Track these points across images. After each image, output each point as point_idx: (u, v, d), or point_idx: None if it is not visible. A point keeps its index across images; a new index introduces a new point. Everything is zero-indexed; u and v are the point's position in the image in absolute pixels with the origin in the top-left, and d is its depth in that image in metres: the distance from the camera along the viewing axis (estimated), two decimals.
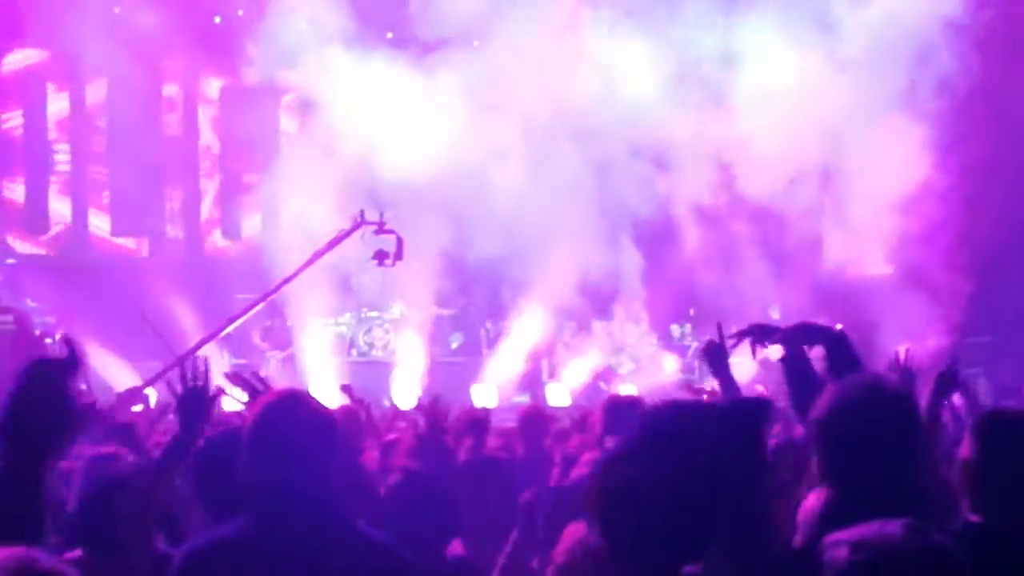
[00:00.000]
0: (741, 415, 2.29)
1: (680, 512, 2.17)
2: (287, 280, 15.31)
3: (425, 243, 17.92)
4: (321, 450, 3.60)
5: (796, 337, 4.74)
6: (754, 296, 19.44)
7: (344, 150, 17.76)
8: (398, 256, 15.48)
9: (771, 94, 18.38)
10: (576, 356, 20.13)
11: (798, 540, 3.84)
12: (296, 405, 3.70)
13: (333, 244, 15.24)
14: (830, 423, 3.41)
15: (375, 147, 17.81)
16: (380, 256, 15.47)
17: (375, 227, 15.18)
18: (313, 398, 3.80)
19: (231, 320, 15.03)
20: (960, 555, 2.44)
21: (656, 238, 19.61)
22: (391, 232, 15.35)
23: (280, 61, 18.26)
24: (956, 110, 18.14)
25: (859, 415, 3.37)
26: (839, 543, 2.53)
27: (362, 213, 15.19)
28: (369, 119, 17.96)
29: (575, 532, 3.82)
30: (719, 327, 5.48)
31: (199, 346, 14.85)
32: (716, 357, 5.48)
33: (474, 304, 20.67)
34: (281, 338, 19.26)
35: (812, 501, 3.89)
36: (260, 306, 15.11)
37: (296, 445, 3.56)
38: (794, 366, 4.61)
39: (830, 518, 2.70)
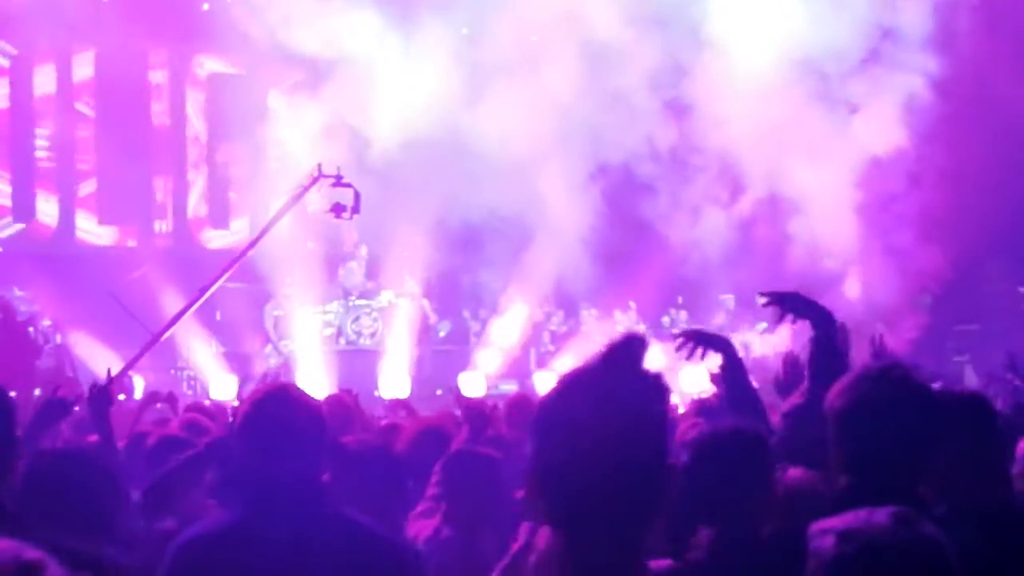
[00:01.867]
0: (619, 355, 2.19)
1: (608, 486, 2.10)
2: (255, 241, 15.39)
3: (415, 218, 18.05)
4: (309, 443, 3.65)
5: (791, 304, 4.79)
6: (742, 286, 19.52)
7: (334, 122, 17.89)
8: (355, 210, 15.57)
9: (740, 34, 18.40)
10: (565, 344, 20.14)
11: (783, 520, 3.82)
12: (285, 399, 3.73)
13: (295, 200, 15.39)
14: (855, 412, 3.31)
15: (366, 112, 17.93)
16: (337, 209, 15.58)
17: (333, 180, 15.38)
18: (301, 391, 3.82)
19: (203, 290, 15.06)
20: (945, 544, 2.43)
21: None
22: (348, 185, 15.45)
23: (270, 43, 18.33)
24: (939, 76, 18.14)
25: (887, 406, 3.27)
26: (826, 532, 2.51)
27: (319, 167, 15.32)
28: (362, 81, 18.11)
29: None
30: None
31: (174, 321, 14.85)
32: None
33: (462, 292, 20.68)
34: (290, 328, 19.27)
35: (795, 477, 3.88)
36: (227, 274, 15.14)
37: (285, 438, 3.60)
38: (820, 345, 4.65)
39: (842, 507, 2.66)
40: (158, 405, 9.48)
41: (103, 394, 5.67)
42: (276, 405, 3.68)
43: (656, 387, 2.16)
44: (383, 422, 7.66)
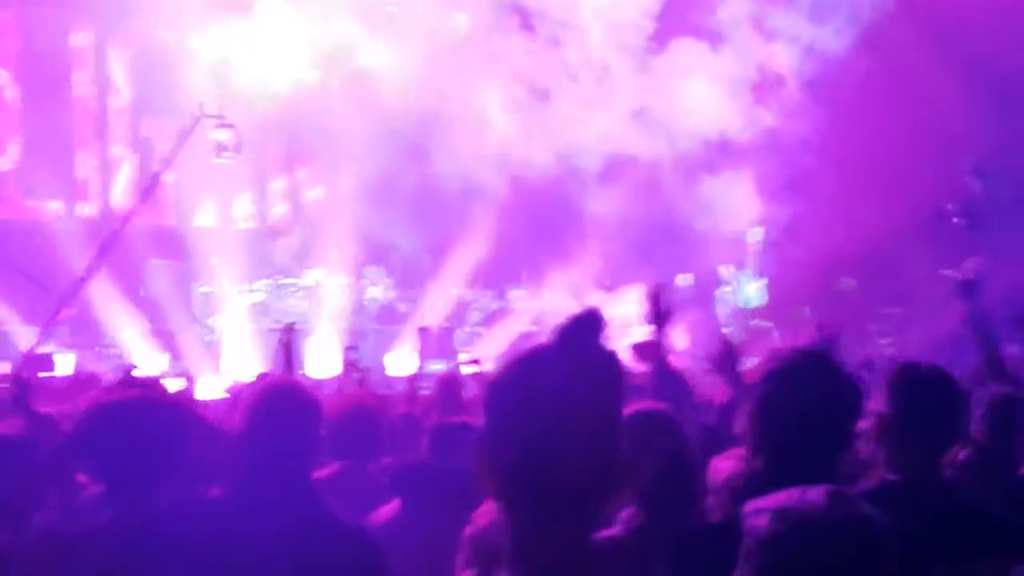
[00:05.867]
0: (576, 331, 2.16)
1: (563, 463, 2.07)
2: (149, 189, 15.37)
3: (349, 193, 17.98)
4: (308, 440, 3.78)
5: None
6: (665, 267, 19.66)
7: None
8: (237, 149, 15.59)
9: None
10: (493, 324, 20.13)
11: (713, 504, 3.86)
12: (291, 395, 3.84)
13: (181, 143, 15.38)
14: (771, 392, 3.31)
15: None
16: (219, 149, 15.59)
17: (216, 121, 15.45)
18: (306, 389, 3.92)
19: (103, 248, 14.99)
20: (882, 522, 2.44)
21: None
22: (230, 126, 15.45)
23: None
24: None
25: (805, 387, 3.26)
26: (760, 511, 2.50)
27: (201, 107, 15.30)
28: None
29: None
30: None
31: (77, 287, 14.72)
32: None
33: (392, 271, 20.60)
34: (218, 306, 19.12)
35: (726, 466, 3.90)
36: (123, 227, 15.11)
37: (288, 435, 3.72)
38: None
39: (758, 488, 2.66)
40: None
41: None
42: (283, 402, 3.78)
43: (612, 367, 2.15)
44: None
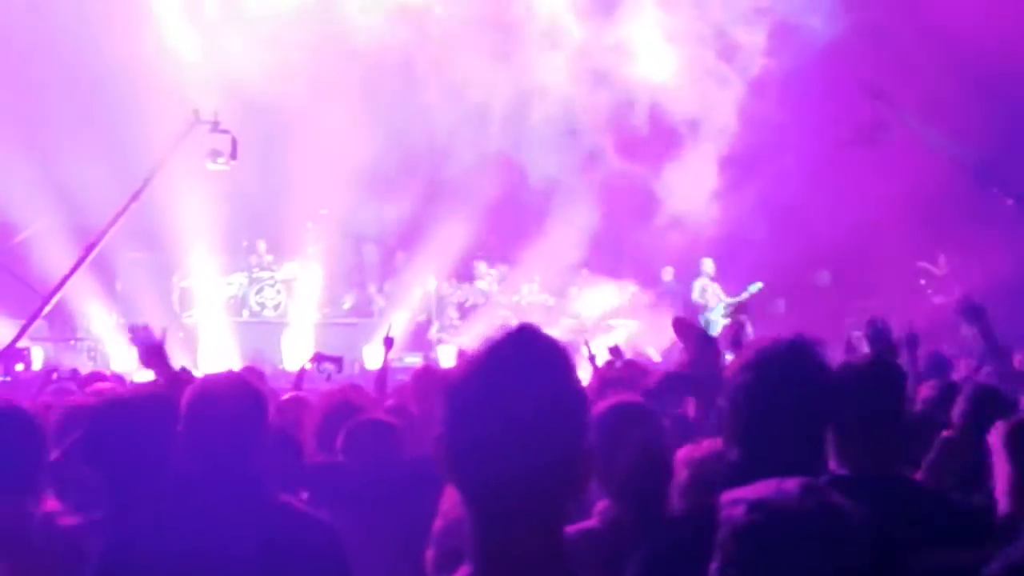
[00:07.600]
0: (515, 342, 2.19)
1: (521, 456, 2.09)
2: (137, 193, 15.18)
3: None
4: (252, 432, 3.71)
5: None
6: (652, 255, 19.65)
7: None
8: (232, 155, 15.47)
9: None
10: (469, 317, 20.11)
11: (681, 483, 3.87)
12: (229, 387, 3.78)
13: (174, 147, 15.23)
14: (749, 385, 3.30)
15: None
16: (214, 154, 15.49)
17: (210, 126, 15.28)
18: (245, 379, 3.86)
19: (89, 248, 14.84)
20: (854, 514, 2.47)
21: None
22: (226, 132, 15.33)
23: None
24: None
25: (780, 378, 3.25)
26: (737, 502, 2.53)
27: (196, 113, 15.18)
28: None
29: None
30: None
31: (61, 284, 14.60)
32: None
33: (366, 265, 20.58)
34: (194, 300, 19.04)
35: (688, 456, 3.93)
36: (112, 230, 14.93)
37: (228, 428, 3.66)
38: None
39: (733, 479, 2.69)
40: (54, 375, 9.36)
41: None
42: (220, 394, 3.72)
43: (562, 362, 2.17)
44: (284, 396, 7.60)
